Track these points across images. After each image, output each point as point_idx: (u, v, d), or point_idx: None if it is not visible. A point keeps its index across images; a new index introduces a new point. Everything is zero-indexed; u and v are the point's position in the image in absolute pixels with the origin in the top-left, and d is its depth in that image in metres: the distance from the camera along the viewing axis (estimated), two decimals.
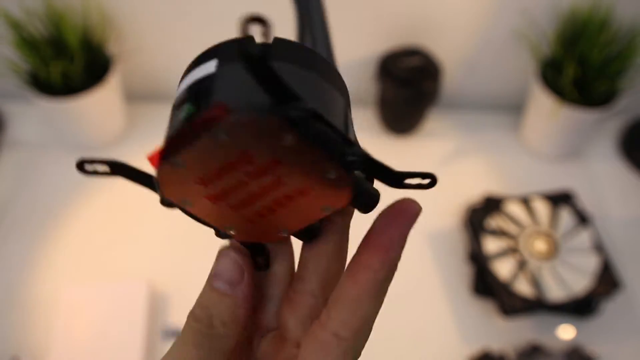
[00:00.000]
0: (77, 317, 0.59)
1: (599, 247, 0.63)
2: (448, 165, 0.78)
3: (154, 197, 0.72)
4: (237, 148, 0.15)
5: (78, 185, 0.73)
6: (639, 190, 0.76)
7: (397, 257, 0.18)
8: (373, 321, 0.19)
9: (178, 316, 0.61)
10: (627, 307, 0.64)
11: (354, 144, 0.16)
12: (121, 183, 0.73)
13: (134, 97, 0.80)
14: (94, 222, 0.70)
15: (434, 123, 0.82)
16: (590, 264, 0.62)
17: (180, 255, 0.66)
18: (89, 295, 0.60)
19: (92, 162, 0.17)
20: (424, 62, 0.75)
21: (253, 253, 0.20)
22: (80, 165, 0.18)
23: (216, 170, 0.16)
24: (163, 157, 0.16)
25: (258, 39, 0.18)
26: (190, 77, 0.17)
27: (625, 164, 0.79)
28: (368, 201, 0.18)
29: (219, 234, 0.19)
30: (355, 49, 0.78)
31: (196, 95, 0.16)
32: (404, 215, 0.18)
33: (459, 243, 0.69)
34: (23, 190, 0.72)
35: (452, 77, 0.81)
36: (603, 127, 0.82)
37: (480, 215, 0.66)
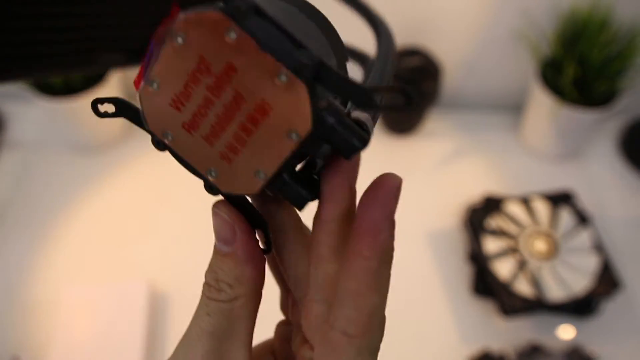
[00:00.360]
0: (77, 317, 0.59)
1: (599, 247, 0.63)
2: (448, 165, 0.78)
3: (153, 197, 0.72)
4: (194, 53, 0.16)
5: (78, 185, 0.73)
6: (639, 190, 0.76)
7: (387, 239, 0.17)
8: (381, 312, 0.18)
9: (178, 316, 0.61)
10: (627, 307, 0.64)
11: (305, 46, 0.16)
12: (120, 183, 0.74)
13: (134, 97, 0.79)
14: (94, 222, 0.70)
15: (434, 123, 0.82)
16: (590, 264, 0.62)
17: (180, 255, 0.66)
18: (89, 296, 0.60)
19: (102, 101, 0.19)
20: (424, 62, 0.75)
21: (252, 224, 0.20)
22: (94, 107, 0.19)
23: (183, 86, 0.17)
24: (142, 76, 0.18)
25: None
26: None
27: (625, 164, 0.79)
28: (345, 138, 0.16)
29: (206, 185, 0.19)
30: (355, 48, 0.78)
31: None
32: (384, 192, 0.17)
33: (459, 243, 0.69)
34: (23, 190, 0.72)
35: (452, 77, 0.81)
36: (603, 127, 0.82)
37: (480, 215, 0.66)
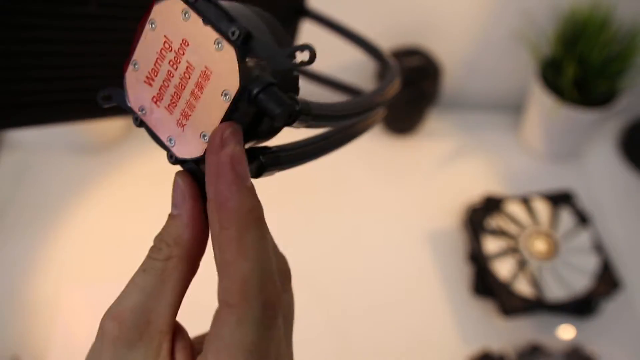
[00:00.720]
0: (77, 317, 0.59)
1: (599, 247, 0.63)
2: (448, 165, 0.78)
3: (153, 197, 0.72)
4: (161, 34, 0.20)
5: (78, 185, 0.73)
6: (639, 190, 0.76)
7: (237, 205, 0.18)
8: (258, 279, 0.17)
9: (177, 316, 0.61)
10: (627, 307, 0.64)
11: (237, 21, 0.19)
12: (120, 183, 0.74)
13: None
14: (94, 222, 0.70)
15: (434, 123, 0.82)
16: (590, 264, 0.62)
17: None
18: (89, 295, 0.60)
19: (103, 93, 0.22)
20: (424, 62, 0.75)
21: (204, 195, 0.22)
22: (99, 100, 0.22)
23: (154, 63, 0.21)
24: (128, 60, 0.21)
25: None
26: None
27: (625, 164, 0.79)
28: (268, 103, 0.19)
29: (168, 155, 0.21)
30: (355, 49, 0.78)
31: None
32: (214, 160, 0.18)
33: (459, 243, 0.69)
34: (23, 190, 0.72)
35: (452, 77, 0.81)
36: (603, 127, 0.82)
37: (480, 215, 0.66)
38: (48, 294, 0.63)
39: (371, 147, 0.78)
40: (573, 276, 0.61)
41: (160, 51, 0.21)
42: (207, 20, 0.19)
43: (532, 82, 0.75)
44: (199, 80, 0.20)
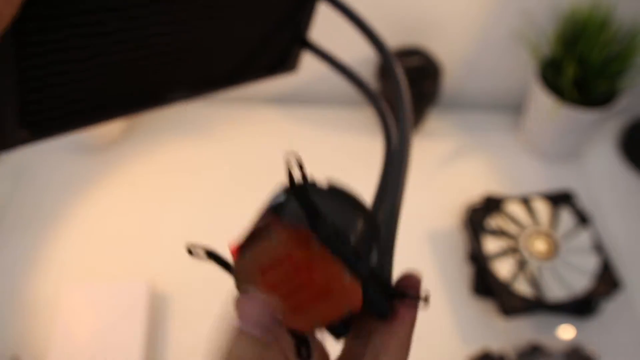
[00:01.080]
0: (77, 317, 0.59)
1: (599, 247, 0.63)
2: (448, 165, 0.78)
3: (153, 197, 0.72)
4: (284, 249, 0.21)
5: (78, 185, 0.73)
6: (639, 190, 0.76)
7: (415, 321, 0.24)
8: None
9: (178, 316, 0.61)
10: (627, 307, 0.64)
11: (362, 259, 0.22)
12: (120, 182, 0.74)
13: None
14: (94, 221, 0.70)
15: (434, 123, 0.82)
16: (590, 264, 0.62)
17: (180, 255, 0.66)
18: (89, 296, 0.60)
19: (196, 249, 0.24)
20: (424, 62, 0.75)
21: (297, 343, 0.25)
22: (189, 250, 0.24)
23: (270, 264, 0.22)
24: (238, 251, 0.23)
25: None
26: (267, 203, 0.24)
27: (625, 164, 0.79)
28: (378, 310, 0.23)
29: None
30: (355, 49, 0.78)
31: (267, 215, 0.23)
32: (415, 289, 0.25)
33: (459, 243, 0.69)
34: (23, 191, 0.72)
35: (452, 77, 0.81)
36: (603, 127, 0.82)
37: (480, 215, 0.66)
38: (48, 294, 0.63)
39: (371, 147, 0.78)
40: (573, 276, 0.61)
41: (279, 260, 0.22)
42: (342, 261, 0.21)
43: (532, 82, 0.75)
44: (319, 292, 0.22)
